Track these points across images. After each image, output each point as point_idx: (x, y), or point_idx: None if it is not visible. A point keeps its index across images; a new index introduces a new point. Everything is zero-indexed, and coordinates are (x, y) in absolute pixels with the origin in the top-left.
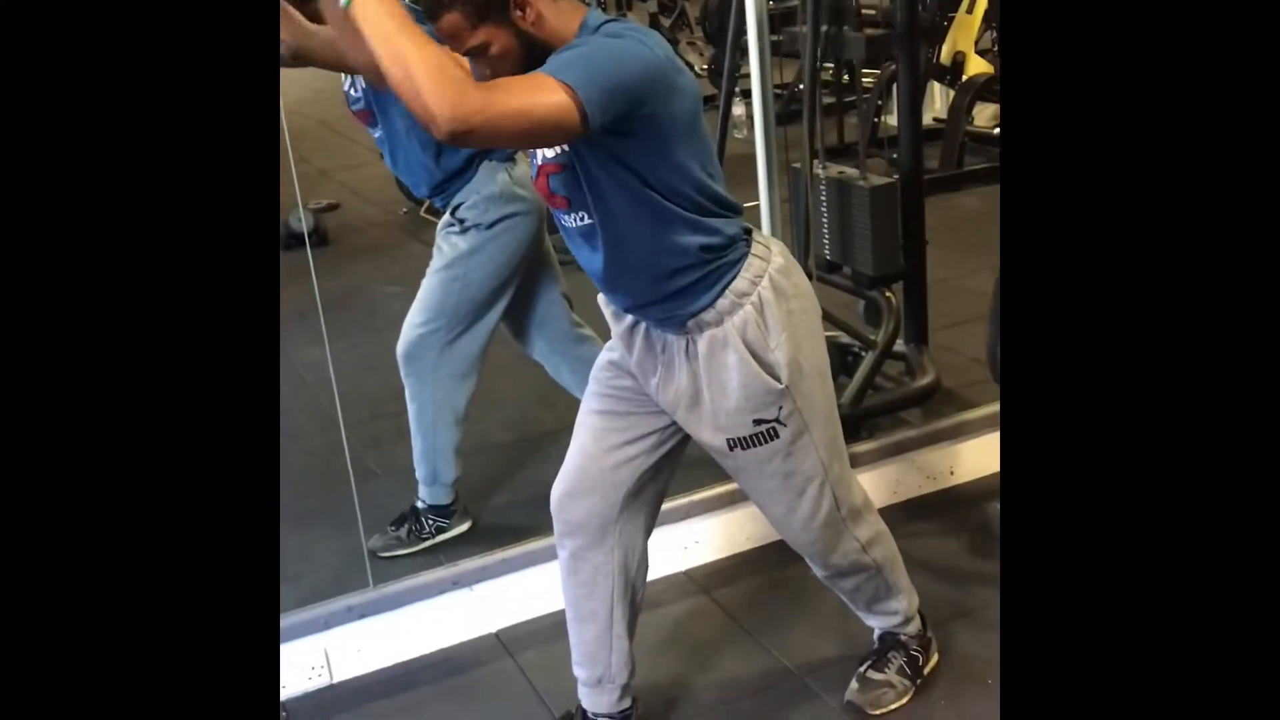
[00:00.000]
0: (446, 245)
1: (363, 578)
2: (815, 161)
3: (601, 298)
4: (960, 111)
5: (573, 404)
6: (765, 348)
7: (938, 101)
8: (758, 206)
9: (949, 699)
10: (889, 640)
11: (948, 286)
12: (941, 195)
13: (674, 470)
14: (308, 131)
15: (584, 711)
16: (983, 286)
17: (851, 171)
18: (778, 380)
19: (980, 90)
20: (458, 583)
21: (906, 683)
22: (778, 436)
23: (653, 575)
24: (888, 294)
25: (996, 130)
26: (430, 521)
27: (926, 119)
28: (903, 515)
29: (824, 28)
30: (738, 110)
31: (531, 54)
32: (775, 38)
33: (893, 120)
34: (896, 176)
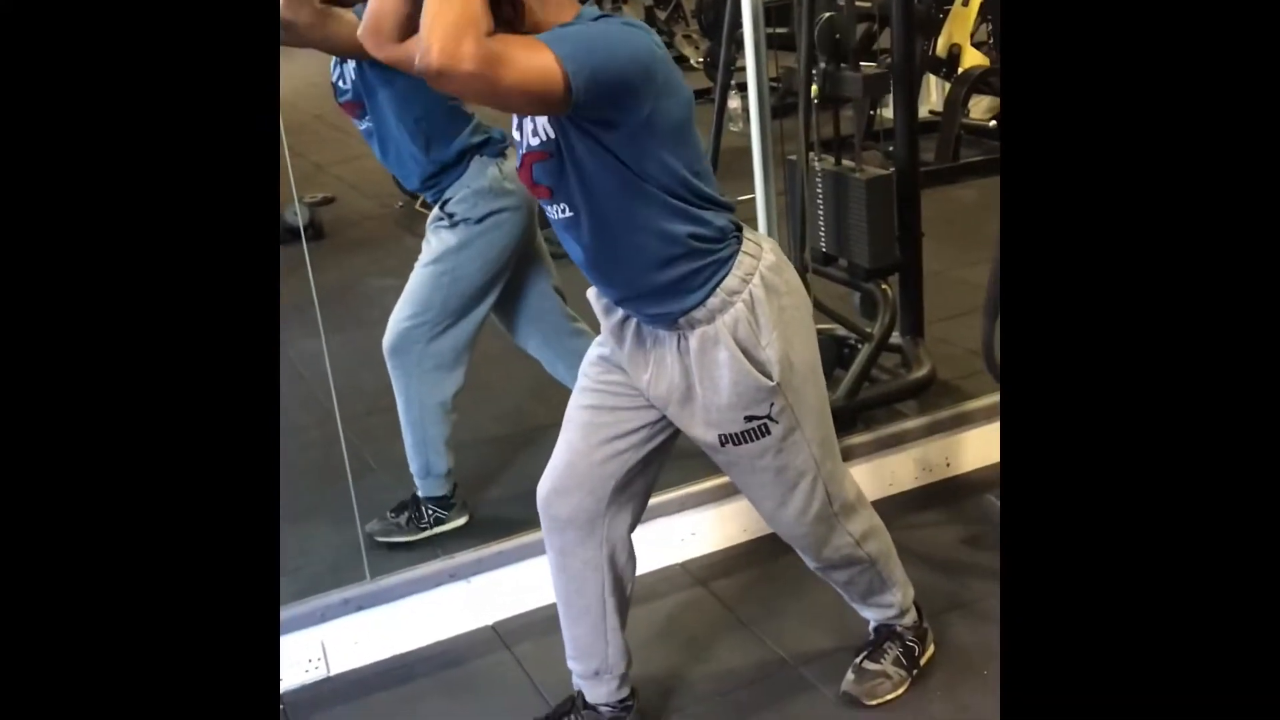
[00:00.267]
0: (435, 239)
1: (359, 571)
2: (811, 154)
3: (591, 292)
4: (956, 104)
5: (567, 397)
6: (757, 345)
7: (933, 94)
8: (753, 199)
9: (945, 690)
10: (885, 631)
11: (943, 279)
12: (937, 188)
13: (662, 465)
14: (303, 125)
15: (584, 699)
16: (978, 279)
17: (848, 164)
18: (769, 377)
19: (976, 83)
20: (454, 575)
21: (903, 673)
22: (769, 433)
23: (649, 568)
24: (884, 286)
25: (992, 123)
26: (429, 511)
27: (922, 112)
28: (898, 507)
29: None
30: (733, 103)
31: None
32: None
33: (888, 113)
34: (892, 169)
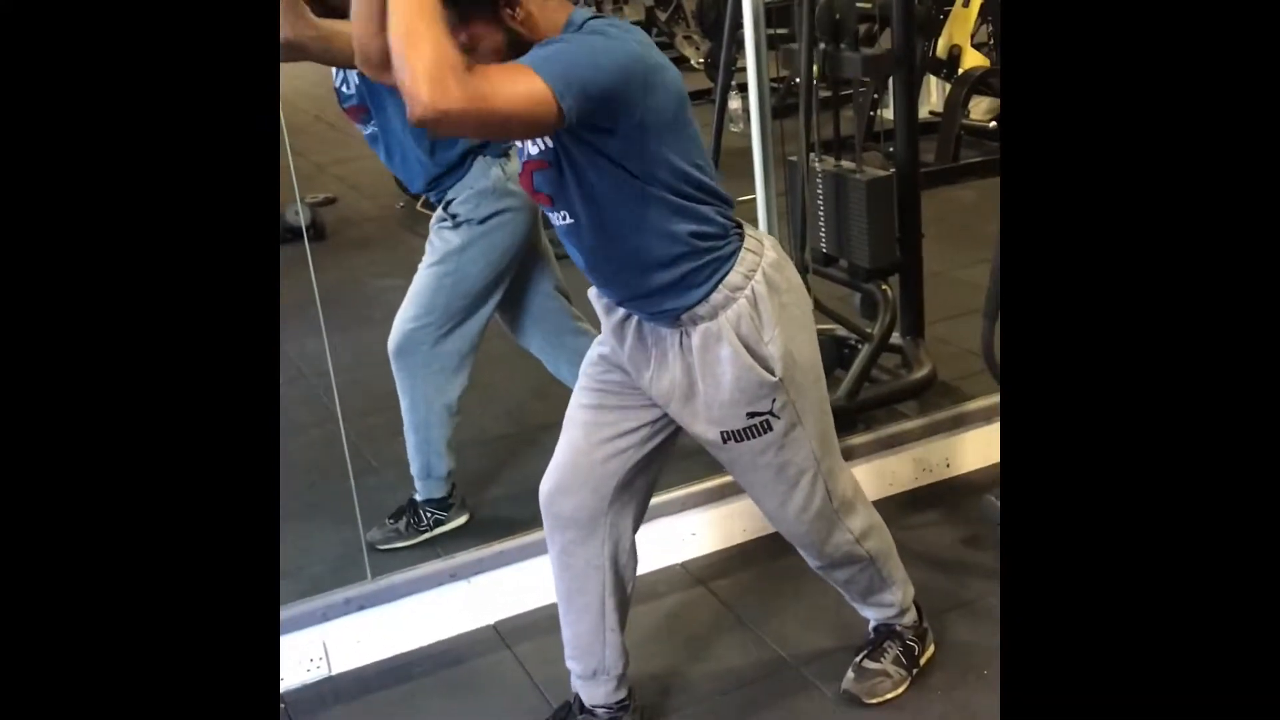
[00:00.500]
0: (439, 240)
1: (361, 570)
2: (811, 155)
3: (592, 292)
4: (956, 105)
5: (568, 397)
6: (759, 341)
7: (934, 95)
8: (754, 200)
9: (945, 689)
10: (885, 631)
11: (943, 279)
12: (937, 188)
13: (664, 464)
14: (304, 126)
15: (581, 702)
16: (978, 279)
17: (848, 164)
18: (771, 373)
19: (976, 84)
20: (455, 575)
21: (903, 673)
22: (771, 429)
23: (649, 567)
24: (884, 287)
25: (992, 124)
26: (428, 514)
27: (922, 112)
28: (899, 507)
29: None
30: (734, 104)
31: (518, 52)
32: (771, 31)
33: (889, 114)
34: (893, 170)
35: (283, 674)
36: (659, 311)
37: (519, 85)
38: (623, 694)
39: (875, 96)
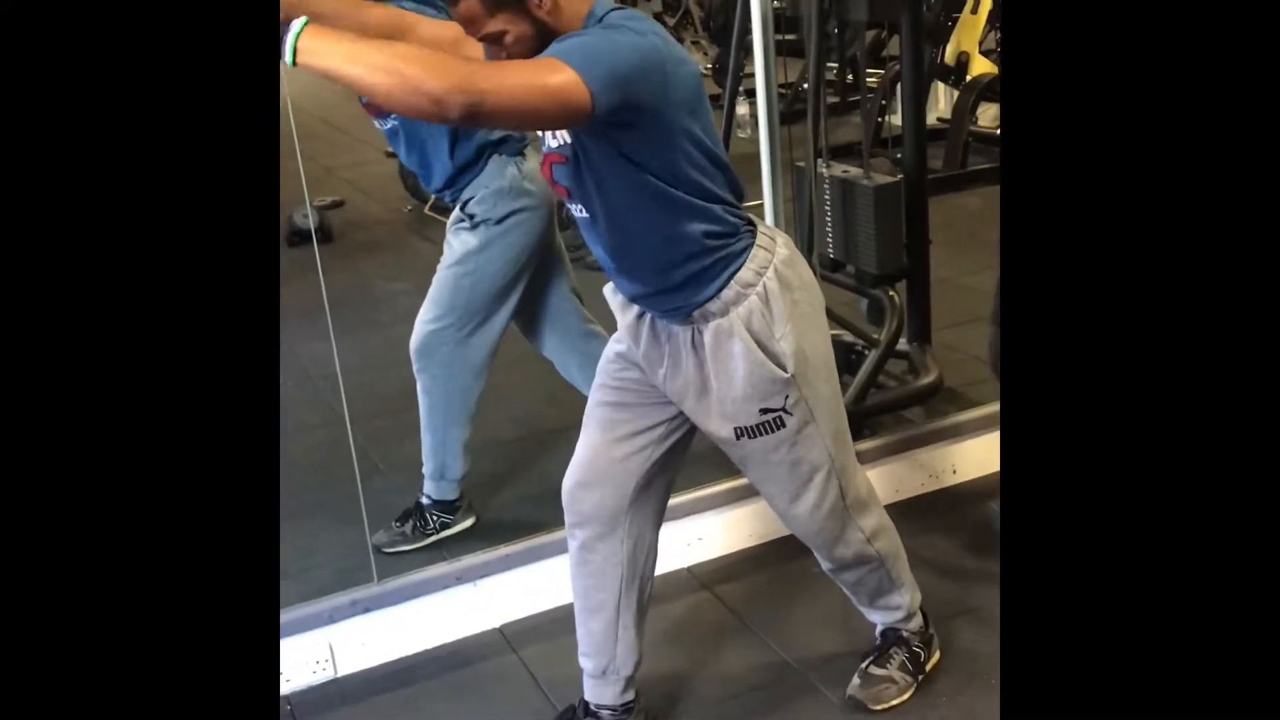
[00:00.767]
0: (457, 241)
1: (367, 573)
2: (819, 160)
3: (608, 288)
4: (964, 111)
5: (581, 401)
6: (771, 337)
7: (941, 101)
8: (762, 205)
9: (950, 696)
10: (891, 636)
11: (950, 286)
12: (945, 195)
13: (681, 463)
14: (313, 129)
15: (587, 704)
16: (985, 286)
17: (856, 170)
18: (783, 369)
19: (984, 90)
20: (461, 578)
21: (909, 679)
22: (784, 425)
23: (655, 571)
24: (891, 293)
25: (1000, 130)
26: (435, 517)
27: (930, 119)
28: (905, 513)
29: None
30: (742, 109)
31: (545, 42)
32: (780, 36)
33: (897, 120)
34: (900, 176)
35: (288, 676)
36: (672, 309)
37: (550, 74)
38: (630, 696)
39: (883, 102)
